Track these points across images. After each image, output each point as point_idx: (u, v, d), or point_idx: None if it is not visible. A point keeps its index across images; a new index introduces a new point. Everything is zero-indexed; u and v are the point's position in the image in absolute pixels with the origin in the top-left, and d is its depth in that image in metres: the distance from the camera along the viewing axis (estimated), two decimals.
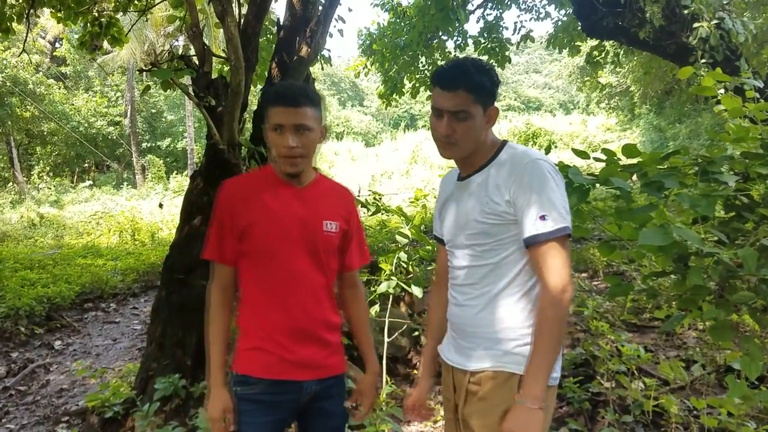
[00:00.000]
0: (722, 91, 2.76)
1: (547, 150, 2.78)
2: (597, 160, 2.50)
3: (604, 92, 28.64)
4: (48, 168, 26.46)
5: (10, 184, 23.46)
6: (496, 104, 1.83)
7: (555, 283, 1.63)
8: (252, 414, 1.93)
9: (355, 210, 2.19)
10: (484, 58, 11.27)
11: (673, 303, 2.91)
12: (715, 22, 7.10)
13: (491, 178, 1.77)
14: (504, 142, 1.85)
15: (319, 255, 1.98)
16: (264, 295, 1.95)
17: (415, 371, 4.55)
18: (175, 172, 28.00)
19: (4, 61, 20.72)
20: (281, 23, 4.41)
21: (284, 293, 1.93)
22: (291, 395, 1.96)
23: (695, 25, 7.19)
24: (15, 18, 5.38)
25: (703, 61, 7.19)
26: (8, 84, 20.84)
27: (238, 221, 1.92)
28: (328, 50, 6.77)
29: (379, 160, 32.82)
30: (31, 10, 5.49)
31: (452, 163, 1.96)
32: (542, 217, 1.63)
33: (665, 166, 2.42)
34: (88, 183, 26.55)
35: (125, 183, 26.94)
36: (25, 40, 6.39)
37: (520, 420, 1.66)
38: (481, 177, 1.81)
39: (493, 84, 1.76)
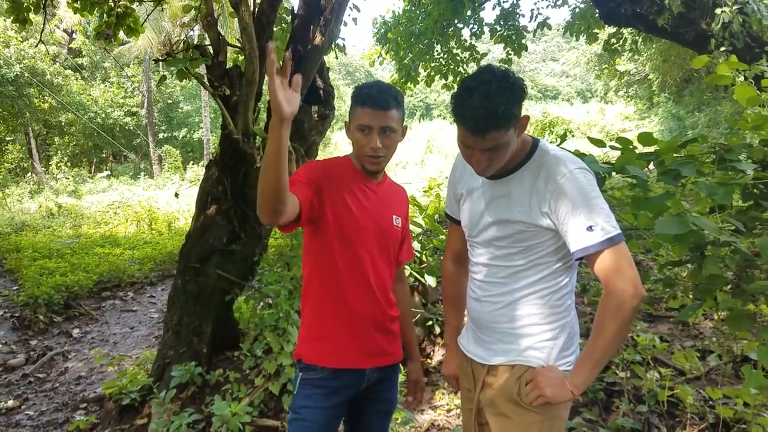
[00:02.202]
0: (742, 79, 2.71)
1: (562, 139, 2.75)
2: (613, 148, 2.48)
3: (622, 80, 28.39)
4: (66, 158, 26.67)
5: (29, 174, 23.69)
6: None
7: (621, 288, 1.55)
8: (313, 398, 1.99)
9: (409, 208, 2.30)
10: (500, 45, 11.18)
11: (690, 293, 2.88)
12: (737, 7, 6.97)
13: (525, 184, 1.71)
14: (535, 142, 1.77)
15: (389, 247, 2.09)
16: (337, 284, 2.00)
17: (429, 360, 4.56)
18: (192, 162, 28.15)
19: (22, 52, 20.86)
20: (295, 12, 4.40)
21: (358, 282, 2.00)
22: (353, 382, 2.04)
23: (717, 11, 7.07)
24: (32, 8, 5.41)
25: (723, 48, 7.07)
26: (26, 75, 20.99)
27: (324, 189, 1.93)
28: (343, 39, 6.77)
29: None
30: (48, 1, 5.52)
31: None
32: (589, 228, 1.57)
33: (682, 154, 2.39)
34: (105, 173, 26.75)
35: (142, 173, 27.09)
36: (42, 30, 6.42)
37: (550, 379, 1.68)
38: (513, 182, 1.74)
39: (519, 102, 1.59)
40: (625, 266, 1.56)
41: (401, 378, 2.87)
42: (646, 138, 2.36)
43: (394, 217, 2.09)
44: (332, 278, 2.00)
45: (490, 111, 1.54)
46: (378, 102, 1.88)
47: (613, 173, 2.37)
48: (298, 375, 2.04)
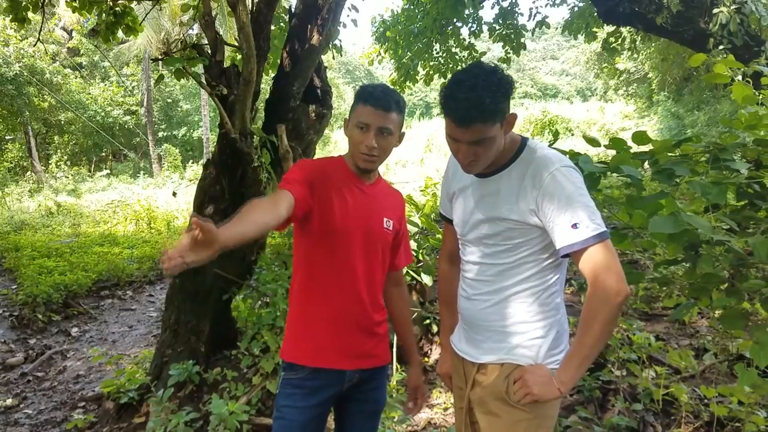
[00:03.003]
0: (740, 77, 2.72)
1: (554, 137, 2.76)
2: (608, 147, 2.49)
3: (621, 79, 28.33)
4: (65, 157, 26.64)
5: (29, 173, 23.66)
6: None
7: (607, 285, 1.56)
8: (293, 398, 1.99)
9: (405, 212, 2.28)
10: (500, 44, 11.18)
11: (685, 291, 2.90)
12: (735, 7, 6.97)
13: (513, 182, 1.72)
14: (524, 141, 1.78)
15: (377, 249, 2.07)
16: (321, 283, 2.00)
17: (426, 359, 4.57)
18: (191, 161, 28.13)
19: (22, 51, 20.82)
20: (293, 11, 4.41)
21: (342, 282, 2.00)
22: (332, 382, 2.02)
23: (715, 11, 7.07)
24: (31, 7, 5.41)
25: (722, 47, 7.07)
26: (25, 74, 20.96)
27: (316, 187, 1.94)
28: (340, 39, 6.76)
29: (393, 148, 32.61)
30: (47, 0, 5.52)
31: None
32: (574, 226, 1.58)
33: (676, 154, 2.40)
34: (105, 172, 26.73)
35: (142, 172, 27.05)
36: (41, 29, 6.43)
37: (537, 377, 1.68)
38: (502, 180, 1.76)
39: (505, 97, 1.62)
40: (609, 263, 1.57)
41: (396, 379, 2.88)
42: (640, 137, 2.37)
43: (385, 219, 2.08)
44: (317, 277, 2.00)
45: (475, 103, 1.56)
46: (380, 102, 1.90)
47: (610, 172, 2.38)
48: (281, 373, 2.05)
